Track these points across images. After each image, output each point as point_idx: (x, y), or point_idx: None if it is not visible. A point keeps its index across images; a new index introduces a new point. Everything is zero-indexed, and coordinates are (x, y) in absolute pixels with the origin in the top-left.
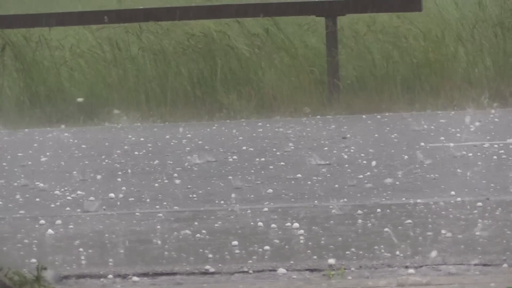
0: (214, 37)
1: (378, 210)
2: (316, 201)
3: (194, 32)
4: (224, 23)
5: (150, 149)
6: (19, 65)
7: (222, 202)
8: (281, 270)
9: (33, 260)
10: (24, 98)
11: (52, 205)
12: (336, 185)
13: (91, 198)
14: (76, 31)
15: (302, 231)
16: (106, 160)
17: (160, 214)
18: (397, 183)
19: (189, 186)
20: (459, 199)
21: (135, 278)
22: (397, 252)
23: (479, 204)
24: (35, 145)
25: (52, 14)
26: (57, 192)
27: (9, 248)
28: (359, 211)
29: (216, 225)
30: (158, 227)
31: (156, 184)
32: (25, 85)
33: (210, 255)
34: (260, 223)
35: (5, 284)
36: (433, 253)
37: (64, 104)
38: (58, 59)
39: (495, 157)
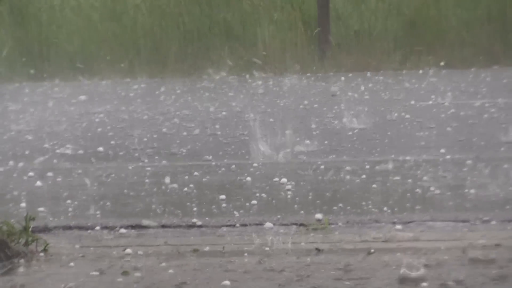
0: None
1: (367, 166)
2: (304, 157)
3: None
4: None
5: (140, 103)
6: (15, 18)
7: (210, 157)
8: (268, 224)
9: (22, 211)
10: (17, 51)
11: (41, 158)
12: (326, 142)
13: (80, 151)
14: None
15: (289, 186)
16: (96, 115)
17: (149, 168)
18: (386, 140)
19: (177, 141)
20: (448, 156)
21: (123, 230)
22: (385, 208)
23: (469, 161)
24: (26, 99)
25: None
26: (46, 145)
27: None
28: (348, 167)
29: (204, 179)
30: (147, 180)
31: (145, 139)
32: (19, 38)
33: (197, 209)
34: (248, 178)
35: None
36: (421, 210)
37: (58, 59)
38: (53, 11)
39: (485, 115)
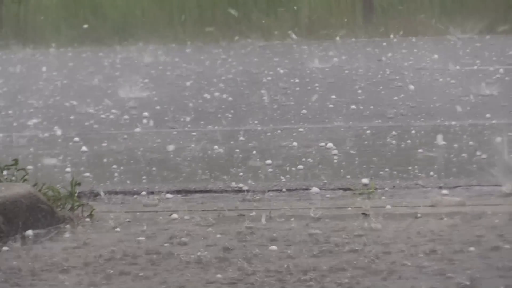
0: None
1: (413, 131)
2: (350, 122)
3: None
4: None
5: (184, 69)
6: None
7: (256, 122)
8: (314, 189)
9: (67, 176)
10: (61, 17)
11: (86, 123)
12: (371, 107)
13: (125, 116)
14: None
15: (336, 151)
16: (141, 80)
17: (194, 133)
18: (432, 105)
19: (222, 106)
20: (494, 121)
21: (169, 195)
22: (431, 173)
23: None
24: (70, 64)
25: None
26: (91, 110)
27: (44, 164)
28: (393, 132)
29: (249, 144)
30: (193, 145)
31: (191, 104)
32: (63, 5)
33: (244, 174)
34: (294, 143)
35: (39, 199)
36: (467, 174)
37: (101, 24)
38: None
39: None
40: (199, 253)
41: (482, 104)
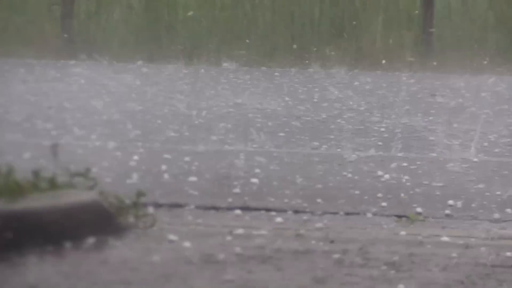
0: None
1: (475, 160)
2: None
3: None
4: None
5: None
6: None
7: (316, 143)
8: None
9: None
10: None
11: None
12: (432, 138)
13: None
14: None
15: (390, 177)
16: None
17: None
18: (487, 144)
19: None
20: None
21: (237, 211)
22: (493, 205)
23: None
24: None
25: None
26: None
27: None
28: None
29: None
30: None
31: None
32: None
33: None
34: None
35: (104, 208)
36: None
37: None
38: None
39: None
40: None
41: None
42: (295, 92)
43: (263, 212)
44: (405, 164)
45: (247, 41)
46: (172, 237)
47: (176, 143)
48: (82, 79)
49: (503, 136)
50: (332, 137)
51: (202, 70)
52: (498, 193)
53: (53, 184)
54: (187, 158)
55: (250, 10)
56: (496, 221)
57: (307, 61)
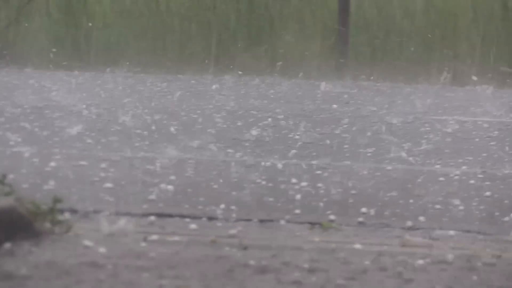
0: None
1: (389, 168)
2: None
3: None
4: None
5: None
6: (55, 10)
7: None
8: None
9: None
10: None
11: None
12: (346, 146)
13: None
14: None
15: (304, 185)
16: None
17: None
18: (404, 153)
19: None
20: (458, 171)
21: (151, 218)
22: (405, 213)
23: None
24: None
25: None
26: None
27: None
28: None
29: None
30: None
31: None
32: (57, 29)
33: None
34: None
35: (20, 213)
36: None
37: (88, 50)
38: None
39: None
40: None
41: (442, 151)
42: (211, 100)
43: (177, 218)
44: (319, 172)
45: (163, 49)
46: (87, 242)
47: (92, 150)
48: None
49: (417, 144)
50: (247, 144)
51: (120, 78)
52: (411, 201)
53: None
54: (103, 165)
55: (167, 19)
56: (409, 228)
57: (224, 69)
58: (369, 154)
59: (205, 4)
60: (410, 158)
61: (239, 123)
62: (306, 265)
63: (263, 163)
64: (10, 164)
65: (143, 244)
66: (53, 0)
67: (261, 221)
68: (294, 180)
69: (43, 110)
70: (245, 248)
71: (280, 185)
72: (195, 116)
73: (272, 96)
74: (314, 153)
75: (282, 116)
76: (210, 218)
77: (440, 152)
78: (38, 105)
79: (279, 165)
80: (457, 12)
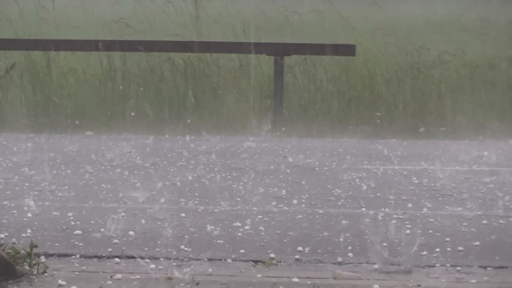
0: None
1: (321, 212)
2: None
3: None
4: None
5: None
6: (25, 82)
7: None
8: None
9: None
10: (27, 108)
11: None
12: (283, 192)
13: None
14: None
15: (247, 228)
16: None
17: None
18: (330, 197)
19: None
20: (380, 213)
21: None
22: (336, 250)
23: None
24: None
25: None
26: None
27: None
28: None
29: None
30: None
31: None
32: (28, 98)
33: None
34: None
35: (3, 257)
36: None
37: (56, 115)
38: (60, 76)
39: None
40: None
41: (358, 197)
42: (163, 156)
43: (138, 259)
44: (260, 216)
45: (108, 113)
46: (61, 281)
47: (64, 202)
48: None
49: (344, 189)
50: (196, 194)
51: (73, 140)
52: (341, 239)
53: None
54: (70, 214)
55: (122, 87)
56: (340, 263)
57: (170, 129)
58: (302, 200)
59: (156, 75)
60: (339, 203)
61: (189, 177)
62: None
63: (210, 210)
64: None
65: (109, 282)
66: (26, 74)
67: (210, 259)
68: (237, 224)
69: None
70: (197, 283)
71: (227, 228)
72: (143, 172)
73: (214, 152)
74: (255, 200)
75: (220, 169)
76: (166, 258)
77: (364, 197)
78: None
79: (225, 211)
80: (373, 75)
